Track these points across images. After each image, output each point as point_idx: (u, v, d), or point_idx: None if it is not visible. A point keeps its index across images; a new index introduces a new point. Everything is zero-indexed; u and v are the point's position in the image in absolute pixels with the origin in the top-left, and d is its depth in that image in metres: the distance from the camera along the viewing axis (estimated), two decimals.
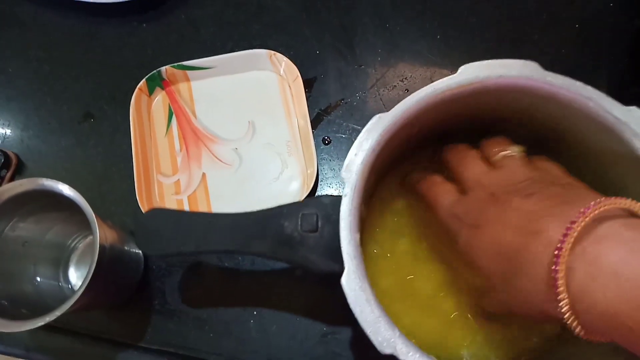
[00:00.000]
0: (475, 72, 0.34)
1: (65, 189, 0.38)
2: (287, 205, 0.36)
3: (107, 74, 0.56)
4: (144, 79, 0.52)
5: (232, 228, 0.37)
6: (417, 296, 0.42)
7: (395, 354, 0.28)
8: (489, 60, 0.34)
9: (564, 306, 0.25)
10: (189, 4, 0.59)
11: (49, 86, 0.56)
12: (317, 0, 0.57)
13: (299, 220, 0.35)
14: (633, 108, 0.32)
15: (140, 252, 0.48)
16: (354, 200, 0.32)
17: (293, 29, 0.57)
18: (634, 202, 0.26)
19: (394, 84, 0.54)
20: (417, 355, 0.29)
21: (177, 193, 0.50)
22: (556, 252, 0.25)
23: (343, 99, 0.53)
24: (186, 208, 0.50)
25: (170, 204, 0.50)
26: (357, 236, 0.32)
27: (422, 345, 0.29)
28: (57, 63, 0.57)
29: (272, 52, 0.53)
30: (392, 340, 0.29)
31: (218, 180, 0.51)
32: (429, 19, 0.56)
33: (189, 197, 0.50)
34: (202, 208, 0.50)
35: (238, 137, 0.52)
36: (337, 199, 0.32)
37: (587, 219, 0.24)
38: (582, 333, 0.25)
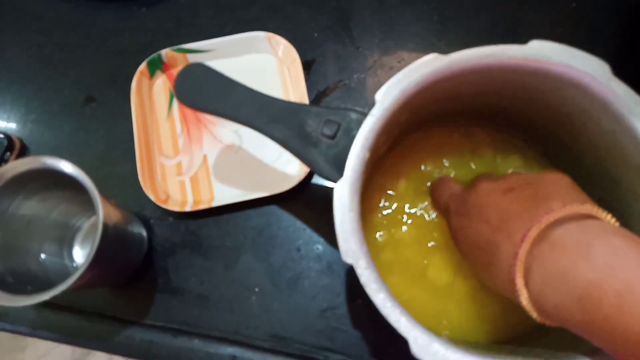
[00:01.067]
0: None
1: (67, 167, 0.39)
2: (317, 106, 0.38)
3: (107, 58, 0.57)
4: (144, 62, 0.53)
5: (262, 106, 0.39)
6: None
7: (354, 266, 0.31)
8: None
9: (524, 300, 0.28)
10: None
11: (50, 70, 0.57)
12: None
13: (322, 123, 0.36)
14: (534, 42, 0.34)
15: (144, 232, 0.49)
16: (377, 122, 0.34)
17: (291, 12, 0.57)
18: (596, 208, 0.28)
19: (391, 66, 0.54)
20: (371, 273, 0.31)
21: (179, 174, 0.51)
22: (514, 255, 0.28)
23: (341, 81, 0.54)
24: (188, 189, 0.51)
25: (173, 185, 0.51)
26: (367, 154, 0.34)
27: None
28: (57, 48, 0.58)
29: (271, 34, 0.53)
30: (357, 254, 0.31)
31: (219, 161, 0.52)
32: (426, 0, 0.56)
33: (191, 178, 0.51)
34: (203, 189, 0.51)
35: None
36: (363, 118, 0.34)
37: (542, 225, 0.27)
38: (543, 321, 0.28)
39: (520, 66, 0.35)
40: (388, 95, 0.35)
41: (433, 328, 0.31)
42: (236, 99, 0.39)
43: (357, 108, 0.36)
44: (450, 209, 0.39)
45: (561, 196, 0.30)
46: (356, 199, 0.33)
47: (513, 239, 0.29)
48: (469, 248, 0.35)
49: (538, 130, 0.44)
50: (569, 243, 0.26)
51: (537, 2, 0.55)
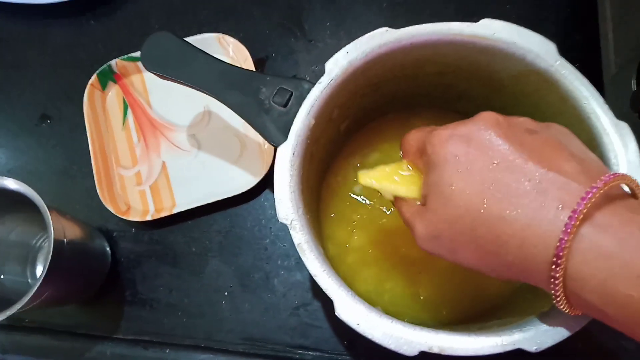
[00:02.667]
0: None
1: (11, 184, 0.38)
2: (272, 75, 0.39)
3: (61, 74, 0.57)
4: (95, 74, 0.52)
5: (221, 74, 0.39)
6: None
7: (288, 227, 0.32)
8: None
9: (558, 285, 0.24)
10: None
11: (4, 91, 0.56)
12: None
13: (275, 91, 0.37)
14: (484, 20, 0.35)
15: (106, 245, 0.48)
16: (324, 90, 0.35)
17: (241, 12, 0.57)
18: (633, 179, 0.24)
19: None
20: (304, 235, 0.32)
21: (138, 184, 0.51)
22: (561, 236, 0.23)
23: (296, 75, 0.54)
24: (149, 198, 0.50)
25: (133, 195, 0.50)
26: (312, 121, 0.35)
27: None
28: (10, 67, 0.57)
29: (220, 35, 0.53)
30: (291, 215, 0.32)
31: (178, 167, 0.51)
32: None
33: (151, 186, 0.51)
34: (164, 196, 0.50)
35: (195, 122, 0.52)
36: None
37: (593, 200, 0.23)
38: (566, 309, 0.25)
39: (468, 43, 0.36)
40: (336, 65, 0.35)
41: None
42: (198, 66, 0.40)
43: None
44: (437, 154, 0.28)
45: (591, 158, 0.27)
46: (297, 163, 0.34)
47: (552, 212, 0.23)
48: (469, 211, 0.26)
49: (498, 112, 0.43)
50: (617, 223, 0.23)
51: None
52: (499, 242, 0.25)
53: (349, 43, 0.54)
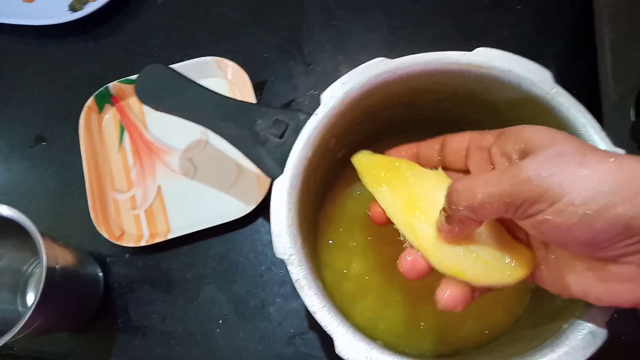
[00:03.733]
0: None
1: (4, 210, 0.38)
2: (267, 107, 0.38)
3: (57, 95, 0.56)
4: (92, 97, 0.52)
5: (215, 105, 0.39)
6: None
7: (286, 262, 0.31)
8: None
9: None
10: (134, 18, 0.58)
11: None
12: (261, 3, 0.57)
13: (271, 123, 0.37)
14: (479, 49, 0.35)
15: (99, 271, 0.47)
16: (321, 122, 0.35)
17: (240, 34, 0.56)
18: None
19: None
20: (302, 270, 0.31)
21: (133, 208, 0.50)
22: None
23: (294, 99, 0.53)
24: (143, 223, 0.49)
25: (128, 220, 0.49)
26: (309, 153, 0.34)
27: None
28: (5, 88, 0.57)
29: (219, 58, 0.52)
30: (289, 250, 0.32)
31: (174, 191, 0.50)
32: (374, 12, 0.56)
33: (145, 211, 0.50)
34: (159, 221, 0.49)
35: (191, 146, 0.52)
36: None
37: None
38: None
39: (464, 71, 0.36)
40: (332, 96, 0.35)
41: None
42: (191, 98, 0.40)
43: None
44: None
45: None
46: (294, 195, 0.33)
47: None
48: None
49: None
50: None
51: (483, 6, 0.54)
52: None
53: (348, 67, 0.54)
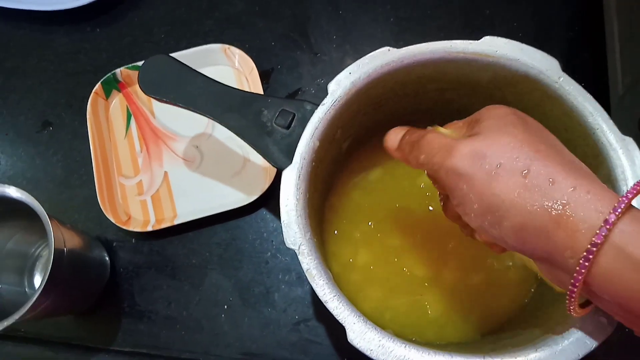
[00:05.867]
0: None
1: (13, 192, 0.38)
2: (273, 97, 0.38)
3: (63, 81, 0.56)
4: (99, 83, 0.52)
5: (220, 96, 0.39)
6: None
7: (296, 252, 0.32)
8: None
9: (578, 281, 0.24)
10: (141, 5, 0.58)
11: (4, 97, 0.56)
12: None
13: (277, 113, 0.37)
14: (485, 38, 0.35)
15: (105, 255, 0.48)
16: (328, 112, 0.35)
17: (246, 22, 0.56)
18: None
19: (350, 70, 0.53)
20: (312, 260, 0.31)
21: (140, 194, 0.50)
22: (595, 239, 0.23)
23: (301, 88, 0.53)
24: (150, 208, 0.49)
25: (134, 205, 0.50)
26: (317, 143, 0.35)
27: None
28: (11, 73, 0.57)
29: (226, 46, 0.52)
30: (299, 240, 0.32)
31: (180, 177, 0.50)
32: (381, 2, 0.56)
33: (152, 196, 0.50)
34: (165, 206, 0.49)
35: (198, 133, 0.52)
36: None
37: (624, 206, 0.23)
38: (574, 310, 0.26)
39: (471, 60, 0.36)
40: (339, 86, 0.35)
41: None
42: (195, 88, 0.40)
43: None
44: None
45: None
46: (303, 186, 0.33)
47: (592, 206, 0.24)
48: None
49: None
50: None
51: None
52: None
53: (354, 57, 0.54)
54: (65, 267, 0.39)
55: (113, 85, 0.53)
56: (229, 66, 0.53)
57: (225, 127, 0.38)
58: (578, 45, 0.51)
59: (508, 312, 0.40)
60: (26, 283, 0.47)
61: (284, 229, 0.32)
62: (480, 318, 0.40)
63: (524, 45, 0.35)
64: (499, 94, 0.38)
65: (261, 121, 0.37)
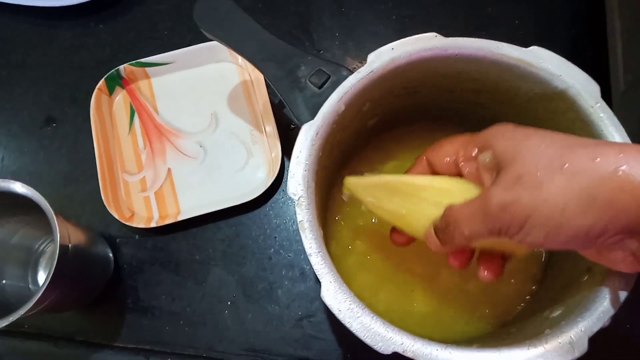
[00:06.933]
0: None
1: (18, 187, 0.38)
2: (314, 55, 0.39)
3: (67, 76, 0.56)
4: (102, 79, 0.52)
5: (265, 44, 0.40)
6: None
7: (295, 203, 0.32)
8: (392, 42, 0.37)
9: None
10: (145, 1, 0.58)
11: (8, 92, 0.56)
12: None
13: (313, 71, 0.37)
14: (533, 47, 0.35)
15: (109, 251, 0.48)
16: (362, 81, 0.35)
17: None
18: None
19: (353, 67, 0.54)
20: (308, 213, 0.32)
21: (143, 190, 0.50)
22: None
23: None
24: (153, 205, 0.50)
25: (138, 201, 0.50)
26: (342, 107, 0.35)
27: None
28: (15, 68, 0.57)
29: None
30: (300, 191, 0.33)
31: (184, 173, 0.51)
32: (384, 0, 0.56)
33: (155, 193, 0.50)
34: (169, 203, 0.50)
35: (201, 129, 0.52)
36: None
37: None
38: None
39: (513, 66, 0.35)
40: (378, 59, 0.36)
41: None
42: (244, 31, 0.41)
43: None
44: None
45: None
46: (318, 144, 0.34)
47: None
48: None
49: None
50: None
51: None
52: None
53: (356, 54, 0.55)
54: (69, 262, 0.39)
55: (117, 82, 0.53)
56: (233, 63, 0.53)
57: (263, 73, 0.40)
58: (580, 43, 0.52)
59: (496, 320, 0.40)
60: (30, 278, 0.47)
61: (289, 179, 0.33)
62: (467, 323, 0.40)
63: (570, 64, 0.35)
64: (533, 108, 0.38)
65: (296, 75, 0.38)
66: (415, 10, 0.55)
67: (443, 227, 0.29)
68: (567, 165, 0.24)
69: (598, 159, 0.24)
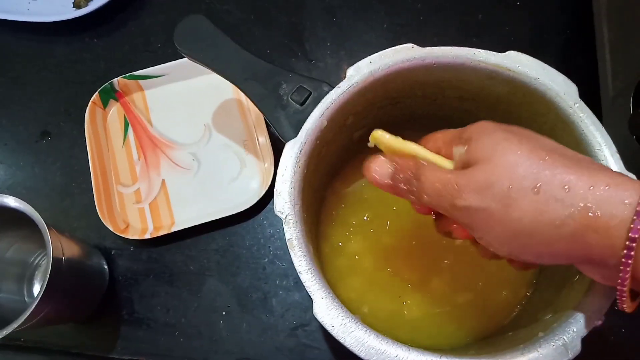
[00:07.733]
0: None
1: (11, 201, 0.38)
2: (295, 73, 0.39)
3: (62, 91, 0.57)
4: (96, 92, 0.53)
5: (246, 64, 0.40)
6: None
7: (283, 221, 0.33)
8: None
9: (625, 279, 0.24)
10: (139, 15, 0.59)
11: (4, 107, 0.56)
12: (264, 0, 0.58)
13: (295, 88, 0.38)
14: (510, 52, 0.35)
15: (104, 263, 0.48)
16: (343, 95, 0.36)
17: (243, 31, 0.57)
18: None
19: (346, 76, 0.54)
20: (296, 231, 0.32)
21: (138, 202, 0.50)
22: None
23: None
24: (148, 216, 0.50)
25: (132, 213, 0.50)
26: (325, 123, 0.36)
27: None
28: (11, 83, 0.58)
29: None
30: (287, 209, 0.33)
31: (178, 185, 0.51)
32: (376, 9, 0.56)
33: (150, 204, 0.50)
34: (163, 214, 0.50)
35: (195, 141, 0.52)
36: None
37: None
38: (627, 306, 0.26)
39: (492, 72, 0.36)
40: (357, 72, 0.36)
41: None
42: (225, 53, 0.41)
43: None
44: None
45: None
46: (302, 161, 0.34)
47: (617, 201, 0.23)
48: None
49: None
50: None
51: (484, 3, 0.55)
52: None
53: (349, 63, 0.55)
54: (63, 275, 0.40)
55: (110, 95, 0.53)
56: None
57: (245, 93, 0.40)
58: (570, 50, 0.52)
59: (484, 333, 0.40)
60: (25, 292, 0.47)
61: (275, 197, 0.33)
62: (454, 332, 0.40)
63: (546, 66, 0.35)
64: (515, 112, 0.38)
65: (278, 93, 0.38)
66: (407, 18, 0.56)
67: (408, 176, 0.29)
68: (539, 185, 0.24)
69: (568, 189, 0.24)
